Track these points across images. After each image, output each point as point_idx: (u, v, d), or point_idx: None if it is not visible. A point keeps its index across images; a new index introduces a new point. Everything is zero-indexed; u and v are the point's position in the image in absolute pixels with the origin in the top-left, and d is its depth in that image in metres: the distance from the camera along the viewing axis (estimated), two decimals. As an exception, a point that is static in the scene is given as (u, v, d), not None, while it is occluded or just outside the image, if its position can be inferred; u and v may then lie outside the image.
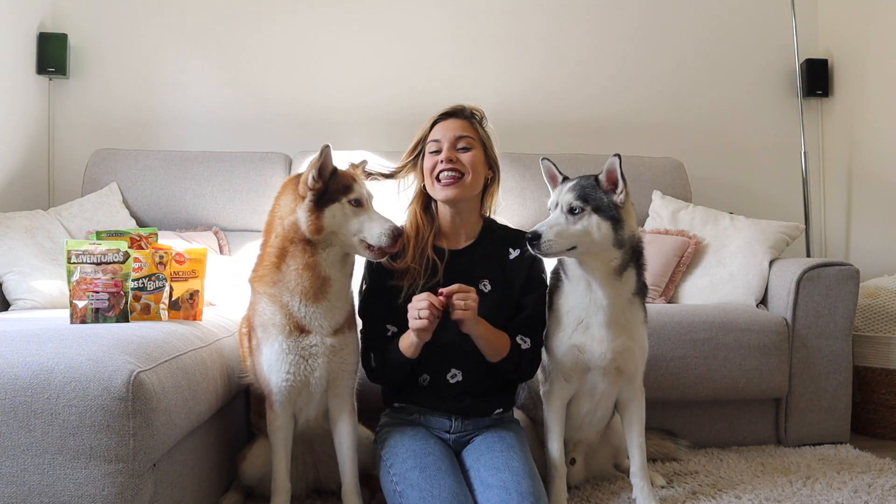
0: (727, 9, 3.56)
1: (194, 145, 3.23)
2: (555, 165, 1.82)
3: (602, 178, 1.69)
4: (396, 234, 1.64)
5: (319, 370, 1.68)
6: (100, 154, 3.00)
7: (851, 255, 3.44)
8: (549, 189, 1.81)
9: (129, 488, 1.29)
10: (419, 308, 1.61)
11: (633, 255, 1.73)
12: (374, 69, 3.37)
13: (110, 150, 3.03)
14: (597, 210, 1.66)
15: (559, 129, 3.45)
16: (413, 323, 1.63)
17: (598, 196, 1.67)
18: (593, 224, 1.65)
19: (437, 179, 1.77)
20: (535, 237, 1.62)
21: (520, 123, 3.41)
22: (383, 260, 1.72)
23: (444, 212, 1.83)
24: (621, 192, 1.68)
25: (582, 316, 1.75)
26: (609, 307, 1.72)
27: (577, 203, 1.65)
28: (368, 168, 1.85)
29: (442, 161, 1.76)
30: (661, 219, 3.00)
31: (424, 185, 1.84)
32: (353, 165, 1.82)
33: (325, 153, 1.65)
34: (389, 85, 3.36)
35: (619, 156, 1.66)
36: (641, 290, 1.79)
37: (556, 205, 1.70)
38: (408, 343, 1.69)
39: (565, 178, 1.78)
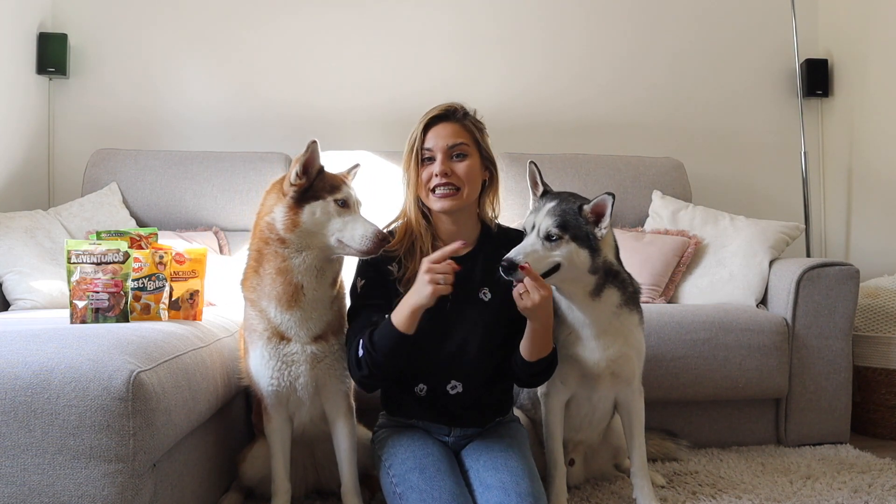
0: (727, 9, 3.56)
1: (194, 145, 3.23)
2: (539, 172, 1.75)
3: (587, 208, 1.64)
4: (381, 237, 1.58)
5: (304, 377, 1.66)
6: (100, 154, 3.00)
7: (851, 255, 3.44)
8: (531, 192, 1.77)
9: (129, 488, 1.29)
10: (443, 272, 1.49)
11: (609, 276, 1.71)
12: (374, 69, 3.37)
13: (110, 150, 3.03)
14: (575, 238, 1.62)
15: (559, 129, 3.45)
16: (434, 288, 1.48)
17: (578, 224, 1.63)
18: (570, 252, 1.62)
19: (432, 191, 1.69)
20: (512, 266, 1.56)
21: (520, 123, 3.41)
22: (392, 267, 1.68)
23: (440, 219, 1.76)
24: (605, 228, 1.65)
25: (571, 328, 1.75)
26: (593, 324, 1.72)
27: (555, 231, 1.61)
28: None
29: (436, 175, 1.68)
30: (661, 219, 3.00)
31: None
32: (345, 173, 1.76)
33: (311, 149, 1.60)
34: (389, 85, 3.36)
35: (613, 195, 1.62)
36: (630, 299, 1.76)
37: (534, 227, 1.65)
38: (407, 312, 1.53)
39: (545, 192, 1.73)
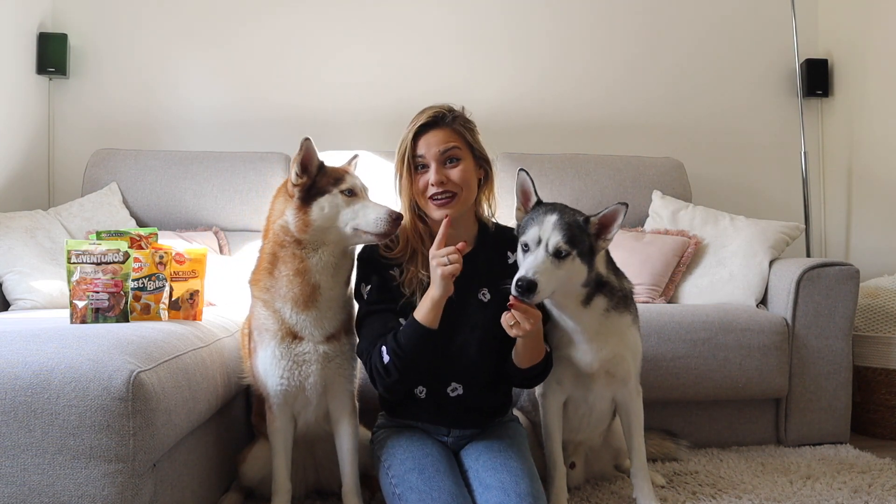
0: (727, 9, 3.56)
1: (194, 145, 3.23)
2: (531, 181, 1.71)
3: (595, 220, 1.62)
4: (394, 217, 1.61)
5: (314, 376, 1.67)
6: (100, 154, 3.00)
7: (851, 255, 3.44)
8: (517, 200, 1.73)
9: (129, 488, 1.29)
10: (447, 254, 1.52)
11: (599, 286, 1.69)
12: (375, 69, 3.37)
13: (110, 150, 3.03)
14: (580, 254, 1.60)
15: (560, 130, 3.45)
16: (443, 270, 1.51)
17: (583, 239, 1.60)
18: (575, 268, 1.60)
19: (431, 199, 1.67)
20: (532, 287, 1.50)
21: (521, 124, 3.41)
22: (392, 266, 1.68)
23: (436, 222, 1.70)
24: (610, 239, 1.64)
25: (564, 332, 1.74)
26: (585, 329, 1.71)
27: (565, 247, 1.56)
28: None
29: (432, 184, 1.65)
30: (661, 219, 3.00)
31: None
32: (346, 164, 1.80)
33: (305, 146, 1.63)
34: (390, 85, 3.36)
35: (626, 205, 1.60)
36: (621, 302, 1.75)
37: (539, 242, 1.58)
38: (428, 306, 1.56)
39: (539, 202, 1.69)
